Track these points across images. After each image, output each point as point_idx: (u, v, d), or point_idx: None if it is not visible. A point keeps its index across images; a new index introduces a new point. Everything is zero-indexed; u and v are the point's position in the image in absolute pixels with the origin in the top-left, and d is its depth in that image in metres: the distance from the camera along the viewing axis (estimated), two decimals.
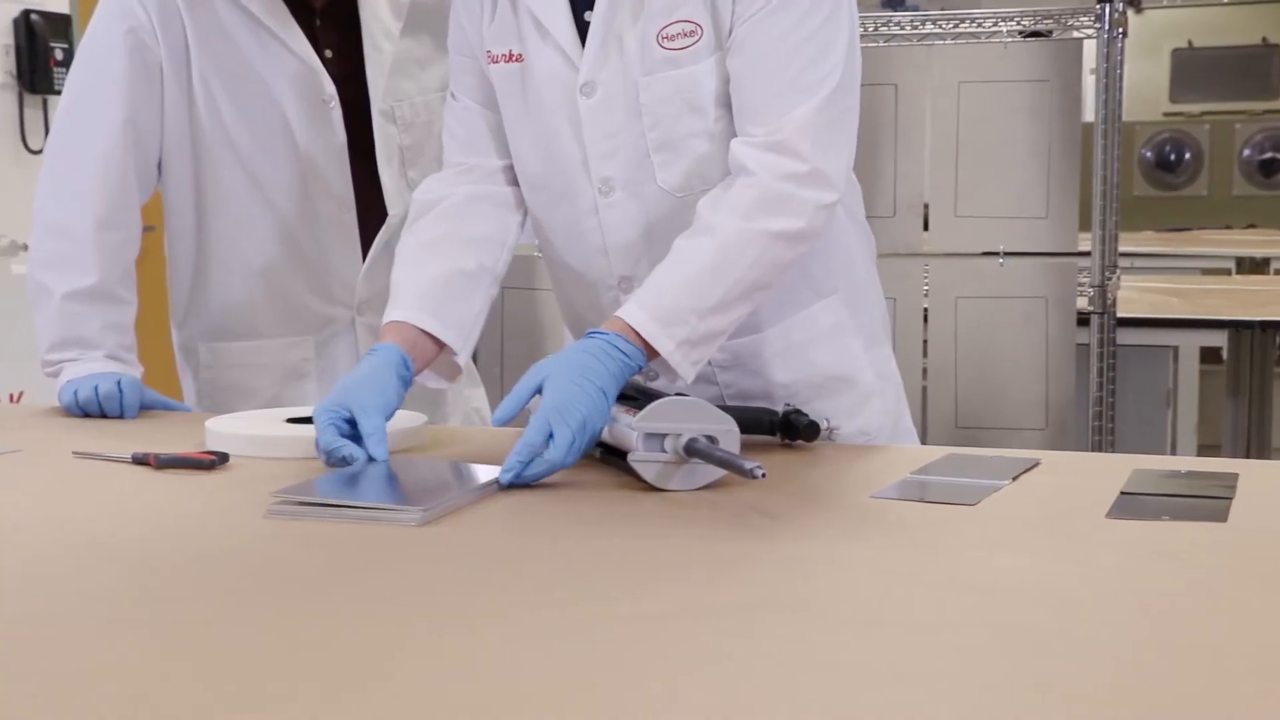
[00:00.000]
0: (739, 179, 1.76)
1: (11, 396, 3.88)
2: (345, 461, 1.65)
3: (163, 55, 2.22)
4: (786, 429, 1.80)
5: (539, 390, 1.64)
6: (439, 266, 1.91)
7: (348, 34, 2.30)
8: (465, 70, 1.99)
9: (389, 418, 1.74)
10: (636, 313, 1.71)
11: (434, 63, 2.34)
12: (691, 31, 1.79)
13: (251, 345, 2.33)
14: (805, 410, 1.81)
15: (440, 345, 1.87)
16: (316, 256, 2.30)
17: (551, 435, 1.60)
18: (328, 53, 2.28)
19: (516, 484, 1.59)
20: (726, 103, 1.81)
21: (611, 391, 1.65)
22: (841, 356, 1.92)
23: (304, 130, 2.26)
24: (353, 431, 1.70)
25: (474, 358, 2.61)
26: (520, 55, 1.88)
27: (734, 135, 1.80)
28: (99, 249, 2.22)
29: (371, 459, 1.66)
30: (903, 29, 3.67)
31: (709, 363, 1.83)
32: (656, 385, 1.77)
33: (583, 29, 1.83)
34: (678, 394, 1.67)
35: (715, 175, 1.81)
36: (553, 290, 2.10)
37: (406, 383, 1.80)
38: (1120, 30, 3.53)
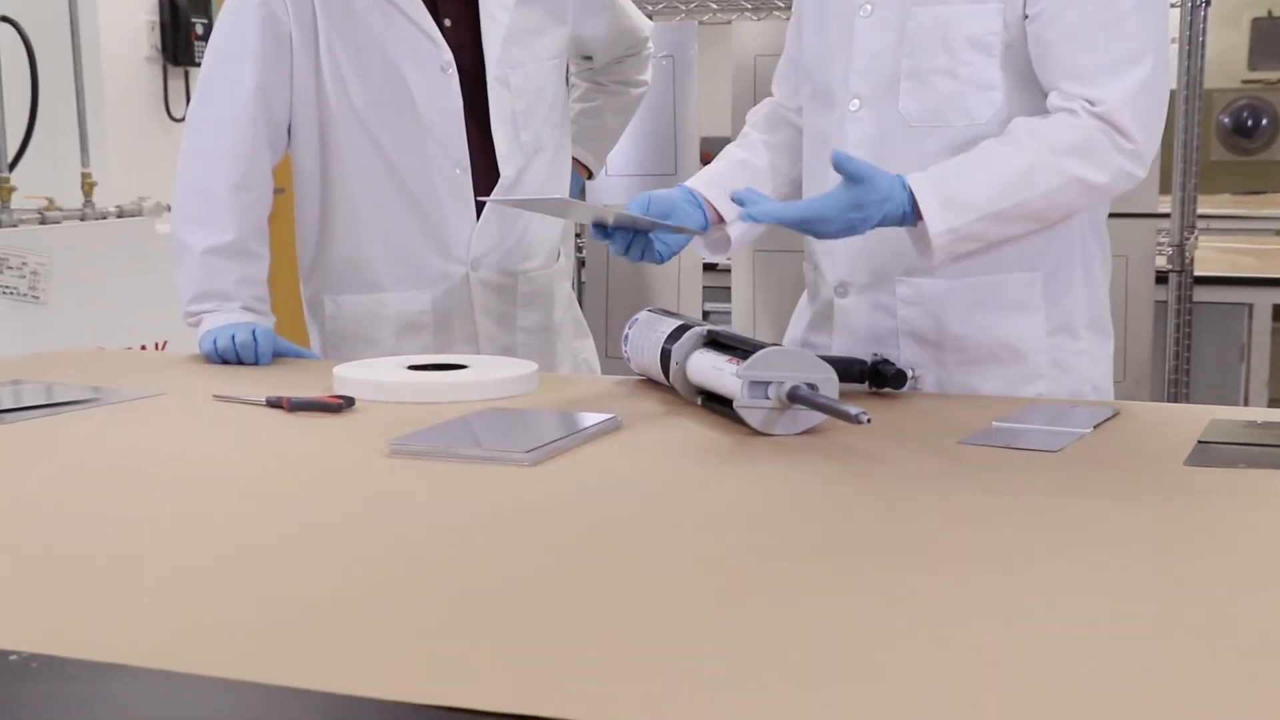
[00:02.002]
0: (1061, 115, 1.73)
1: (157, 345, 3.95)
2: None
3: (292, 26, 2.24)
4: (875, 377, 1.78)
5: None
6: (735, 155, 2.01)
7: (466, 4, 2.30)
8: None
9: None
10: (924, 186, 1.71)
11: (546, 32, 2.34)
12: None
13: (372, 298, 2.35)
14: (892, 360, 1.79)
15: (720, 219, 1.92)
16: (433, 215, 2.31)
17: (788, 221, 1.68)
18: (446, 21, 2.29)
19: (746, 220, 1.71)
20: (981, 48, 1.78)
21: (875, 219, 1.68)
22: (1019, 330, 1.86)
23: (423, 95, 2.27)
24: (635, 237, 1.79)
25: (581, 309, 2.62)
26: None
27: (982, 82, 1.78)
28: (234, 208, 2.25)
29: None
30: None
31: (893, 295, 1.86)
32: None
33: None
34: (774, 344, 1.66)
35: (952, 115, 1.80)
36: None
37: (701, 217, 1.89)
38: (1204, 0, 3.44)
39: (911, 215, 1.71)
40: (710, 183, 1.94)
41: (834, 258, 1.91)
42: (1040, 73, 1.76)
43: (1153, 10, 1.75)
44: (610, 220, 1.78)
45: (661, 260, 1.83)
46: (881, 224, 1.70)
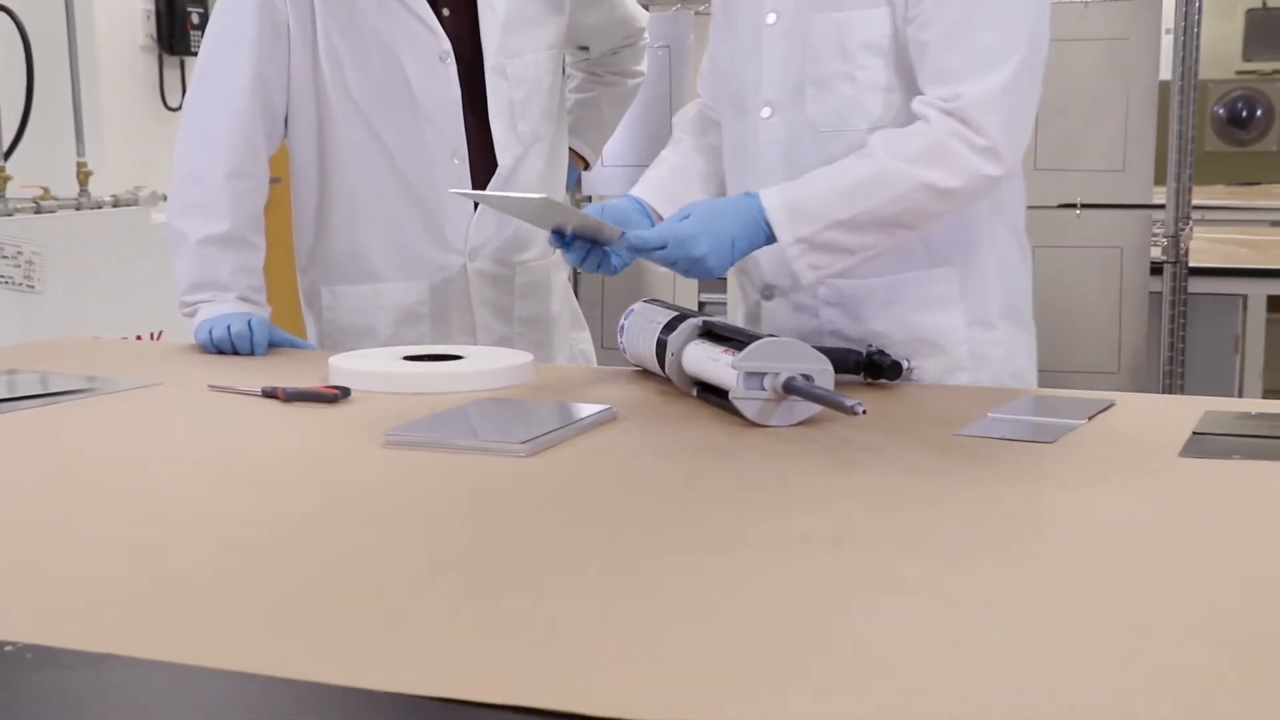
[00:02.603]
0: (915, 124, 1.76)
1: (152, 334, 3.95)
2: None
3: (290, 15, 2.24)
4: (871, 368, 1.78)
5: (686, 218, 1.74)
6: (672, 161, 2.02)
7: None
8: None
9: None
10: (774, 198, 1.75)
11: (544, 22, 2.33)
12: None
13: (370, 289, 2.34)
14: (887, 352, 1.79)
15: None
16: (431, 205, 2.30)
17: (664, 246, 1.71)
18: (445, 11, 2.28)
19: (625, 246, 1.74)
20: (875, 52, 1.80)
21: (741, 245, 1.73)
22: (938, 324, 1.88)
23: (421, 84, 2.26)
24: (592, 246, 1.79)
25: (577, 300, 2.62)
26: None
27: (878, 85, 1.81)
28: (231, 197, 2.24)
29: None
30: None
31: (815, 296, 1.88)
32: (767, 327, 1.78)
33: None
34: (769, 335, 1.65)
35: (854, 119, 1.82)
36: None
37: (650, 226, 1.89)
38: None
39: (766, 227, 1.75)
40: (653, 190, 1.96)
41: (758, 263, 1.93)
42: (917, 76, 1.79)
43: (1025, 11, 1.76)
44: (570, 228, 1.78)
45: (615, 271, 1.84)
46: (750, 234, 1.74)
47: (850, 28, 1.81)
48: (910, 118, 1.77)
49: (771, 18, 1.86)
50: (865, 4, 1.79)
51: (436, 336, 2.32)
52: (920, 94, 1.77)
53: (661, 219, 1.91)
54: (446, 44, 2.25)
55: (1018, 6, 1.75)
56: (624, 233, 1.74)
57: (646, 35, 2.61)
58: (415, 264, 2.33)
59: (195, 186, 2.26)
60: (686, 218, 1.74)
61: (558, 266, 2.47)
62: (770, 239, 1.75)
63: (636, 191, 1.96)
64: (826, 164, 1.80)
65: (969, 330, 1.89)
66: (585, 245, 1.79)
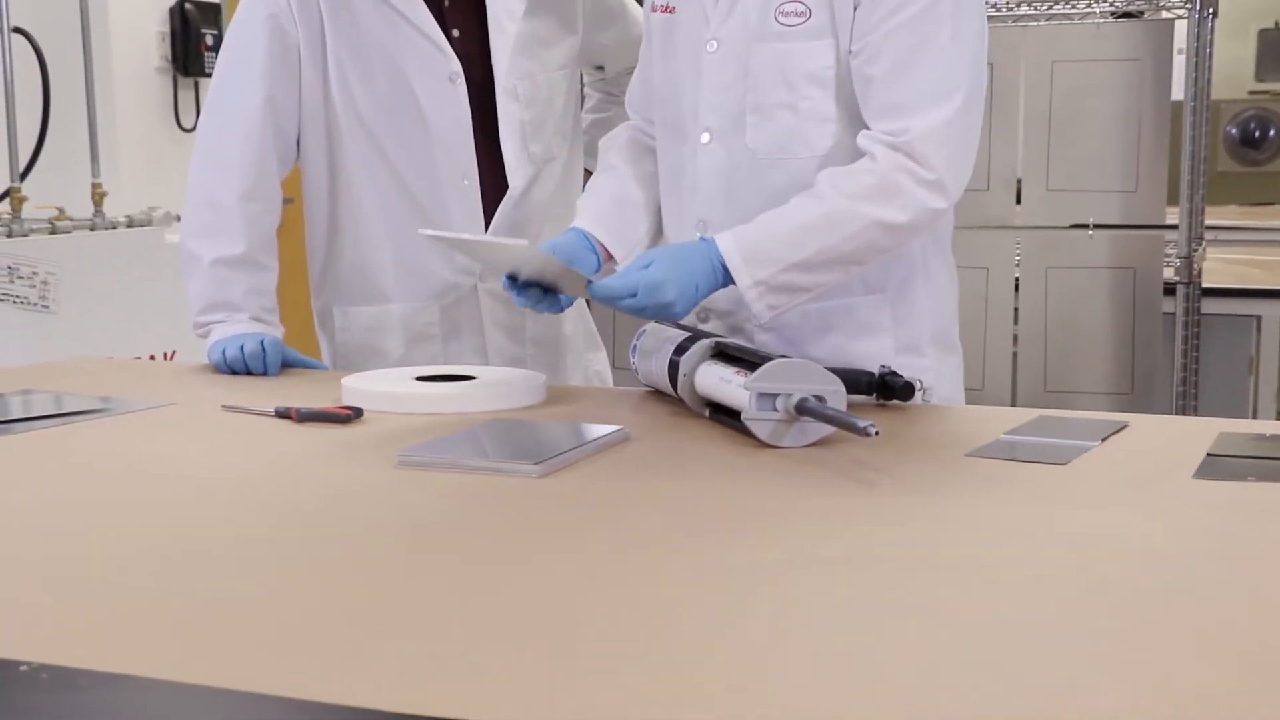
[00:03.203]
0: (862, 161, 1.79)
1: (166, 354, 3.96)
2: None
3: (300, 38, 2.24)
4: (883, 389, 1.78)
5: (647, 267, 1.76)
6: (610, 190, 2.02)
7: (474, 14, 2.30)
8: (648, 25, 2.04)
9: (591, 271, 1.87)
10: (729, 242, 1.79)
11: (556, 42, 2.34)
12: (802, 13, 1.82)
13: (381, 310, 2.34)
14: (899, 373, 1.79)
15: (610, 257, 1.96)
16: (442, 226, 2.30)
17: (635, 294, 1.72)
18: (455, 32, 2.28)
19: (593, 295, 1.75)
20: (818, 83, 1.82)
21: (704, 290, 1.77)
22: (869, 351, 1.89)
23: (431, 106, 2.26)
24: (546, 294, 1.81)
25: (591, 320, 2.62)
26: (674, 8, 1.95)
27: (819, 116, 1.83)
28: (244, 219, 2.25)
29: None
30: (999, 10, 3.60)
31: (749, 321, 1.89)
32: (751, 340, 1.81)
33: None
34: (782, 356, 1.66)
35: (795, 147, 1.85)
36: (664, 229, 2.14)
37: (595, 261, 1.92)
38: (1211, 11, 3.44)
39: (723, 271, 1.78)
40: (597, 222, 1.97)
41: None
42: (862, 110, 1.81)
43: (969, 45, 1.79)
44: (523, 275, 1.79)
45: (561, 309, 1.86)
46: (709, 277, 1.77)
47: (794, 59, 1.83)
48: (850, 145, 1.81)
49: (713, 45, 1.88)
50: (810, 35, 1.81)
51: (449, 357, 2.32)
52: (865, 128, 1.80)
53: (608, 252, 1.94)
54: (456, 65, 2.26)
55: (962, 41, 1.79)
56: (590, 281, 1.75)
57: None
58: (426, 285, 2.33)
59: (208, 209, 2.27)
60: (650, 264, 1.75)
61: None
62: (728, 280, 1.78)
63: (581, 224, 1.97)
64: (766, 190, 1.83)
65: (899, 357, 1.91)
66: (537, 289, 1.81)
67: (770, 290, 1.78)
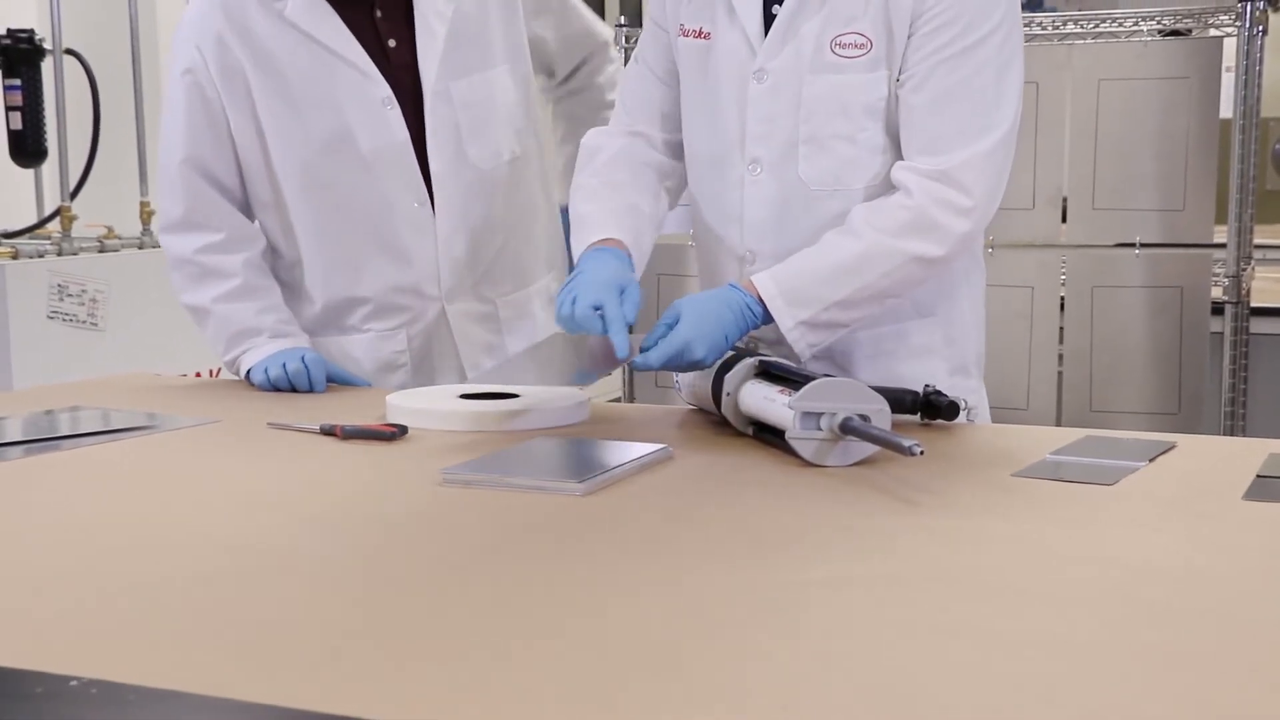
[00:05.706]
0: (896, 196, 1.79)
1: (212, 372, 3.99)
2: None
3: (221, 93, 2.21)
4: (927, 409, 1.77)
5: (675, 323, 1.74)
6: (623, 200, 1.95)
7: (409, 21, 2.24)
8: (655, 40, 2.01)
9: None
10: (769, 285, 1.79)
11: (496, 35, 2.27)
12: (862, 45, 1.81)
13: (346, 339, 2.32)
14: (944, 392, 1.78)
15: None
16: (399, 250, 2.26)
17: (668, 360, 1.71)
18: (392, 42, 2.23)
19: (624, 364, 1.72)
20: (874, 115, 1.82)
21: (733, 338, 1.76)
22: (922, 375, 1.89)
23: (366, 136, 2.21)
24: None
25: None
26: (709, 34, 1.92)
27: (874, 147, 1.83)
28: (217, 261, 2.26)
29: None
30: (1044, 29, 3.59)
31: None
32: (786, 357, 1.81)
33: (768, 20, 1.86)
34: (825, 375, 1.65)
35: (850, 179, 1.84)
36: (697, 260, 2.12)
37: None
38: (1261, 28, 3.41)
39: (764, 314, 1.78)
40: (626, 231, 1.90)
41: None
42: (902, 137, 1.81)
43: (1012, 83, 1.80)
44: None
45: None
46: (741, 323, 1.77)
47: (852, 90, 1.82)
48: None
49: (762, 75, 1.86)
50: (868, 67, 1.81)
51: (421, 383, 2.28)
52: (901, 160, 1.80)
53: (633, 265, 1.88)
54: (386, 89, 2.20)
55: (1006, 78, 1.79)
56: (636, 351, 1.73)
57: (613, 51, 2.52)
58: (391, 312, 2.30)
59: (183, 265, 2.28)
60: (676, 321, 1.73)
61: (538, 293, 2.43)
62: (765, 320, 1.78)
63: (611, 232, 1.89)
64: (816, 221, 1.83)
65: (951, 379, 1.91)
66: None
67: (811, 329, 1.80)
